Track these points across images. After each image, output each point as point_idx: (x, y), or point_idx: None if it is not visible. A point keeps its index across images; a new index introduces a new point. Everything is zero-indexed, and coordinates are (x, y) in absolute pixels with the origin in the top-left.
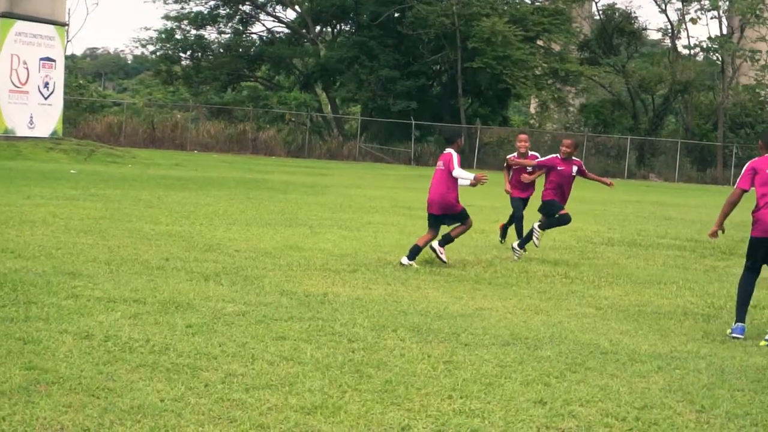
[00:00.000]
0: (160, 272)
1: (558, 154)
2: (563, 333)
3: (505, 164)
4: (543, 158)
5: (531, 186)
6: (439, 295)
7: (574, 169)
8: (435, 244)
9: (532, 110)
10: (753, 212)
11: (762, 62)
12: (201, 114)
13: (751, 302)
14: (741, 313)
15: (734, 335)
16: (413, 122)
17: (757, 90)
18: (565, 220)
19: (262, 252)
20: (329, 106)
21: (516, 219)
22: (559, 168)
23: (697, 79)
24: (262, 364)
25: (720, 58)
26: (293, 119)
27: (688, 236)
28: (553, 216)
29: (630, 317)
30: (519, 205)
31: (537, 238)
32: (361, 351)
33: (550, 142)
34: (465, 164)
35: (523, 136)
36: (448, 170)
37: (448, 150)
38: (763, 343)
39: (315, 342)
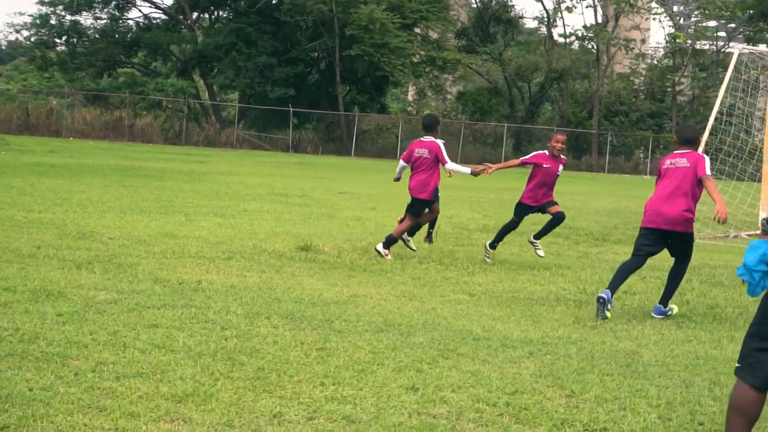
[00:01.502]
0: (31, 260)
1: (545, 151)
2: (436, 319)
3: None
4: (528, 156)
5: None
6: (314, 282)
7: (561, 168)
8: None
9: (410, 98)
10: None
11: (636, 51)
12: (77, 100)
13: (623, 287)
14: (613, 285)
15: (600, 295)
16: (291, 109)
17: (632, 78)
18: (511, 227)
19: (136, 239)
20: (207, 93)
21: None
22: (545, 165)
23: (572, 68)
24: (133, 352)
25: (595, 47)
26: (170, 106)
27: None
28: (511, 221)
29: (503, 303)
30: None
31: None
32: (234, 338)
33: None
34: (343, 152)
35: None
36: (435, 159)
37: (430, 138)
38: (676, 310)
39: (187, 330)
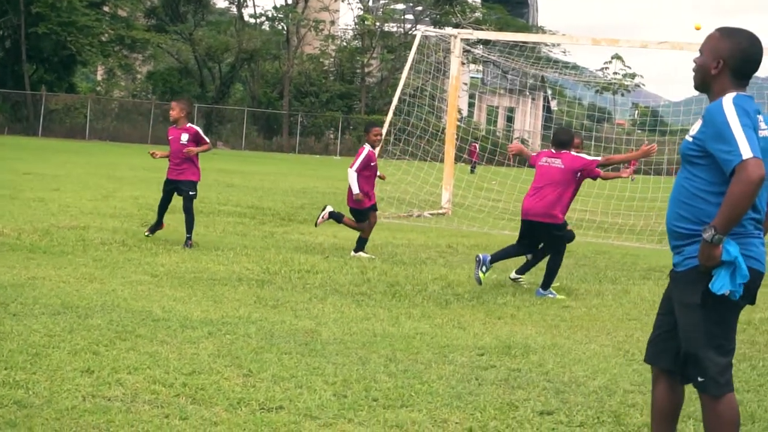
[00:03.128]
0: None
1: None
2: (116, 301)
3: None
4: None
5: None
6: None
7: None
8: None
9: (99, 77)
10: None
11: (326, 32)
12: None
13: (307, 266)
14: (496, 255)
15: (478, 255)
16: None
17: (321, 60)
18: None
19: None
20: None
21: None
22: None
23: (263, 48)
24: None
25: (285, 28)
26: None
27: (249, 203)
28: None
29: (185, 284)
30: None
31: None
32: None
33: (118, 110)
34: (30, 132)
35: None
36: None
37: (364, 144)
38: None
39: None
